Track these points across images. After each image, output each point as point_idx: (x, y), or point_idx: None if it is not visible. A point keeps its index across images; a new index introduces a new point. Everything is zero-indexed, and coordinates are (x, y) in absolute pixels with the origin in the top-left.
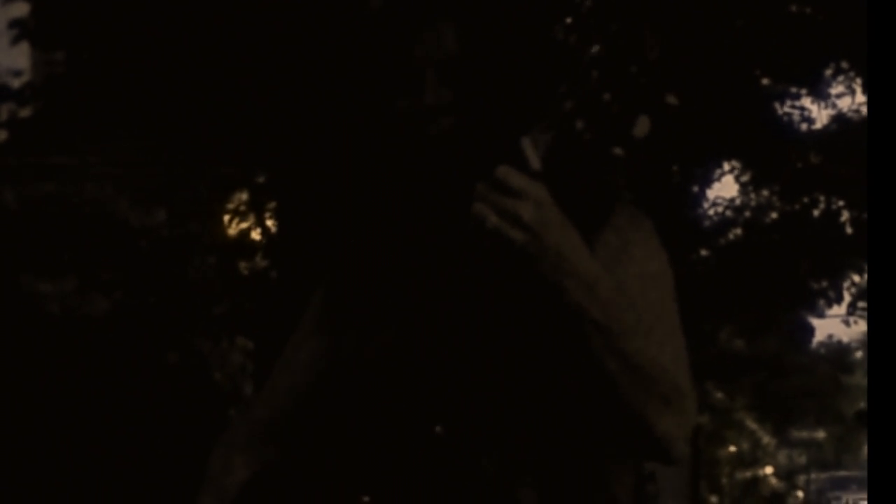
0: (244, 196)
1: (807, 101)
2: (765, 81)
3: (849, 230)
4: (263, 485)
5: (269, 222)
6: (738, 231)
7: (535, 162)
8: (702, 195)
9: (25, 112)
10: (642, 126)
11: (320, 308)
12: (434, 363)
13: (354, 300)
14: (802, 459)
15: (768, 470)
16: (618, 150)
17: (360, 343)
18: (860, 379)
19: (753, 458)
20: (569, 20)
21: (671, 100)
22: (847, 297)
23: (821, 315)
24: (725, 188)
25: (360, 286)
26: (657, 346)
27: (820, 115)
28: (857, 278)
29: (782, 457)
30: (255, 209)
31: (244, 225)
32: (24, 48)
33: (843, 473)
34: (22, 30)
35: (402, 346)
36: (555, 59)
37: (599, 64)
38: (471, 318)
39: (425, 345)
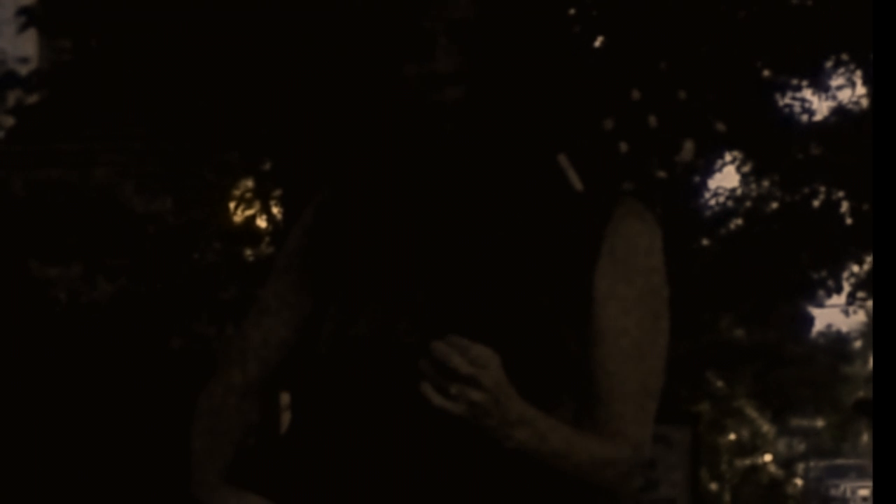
0: (250, 183)
1: (807, 93)
2: (766, 73)
3: (848, 220)
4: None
5: (275, 209)
6: (739, 221)
7: (576, 182)
8: (703, 185)
9: (32, 99)
10: (688, 150)
11: (303, 260)
12: (423, 349)
13: (343, 266)
14: (801, 447)
15: (767, 458)
16: (661, 174)
17: (345, 321)
18: (859, 368)
19: (753, 446)
20: (572, 11)
21: (720, 127)
22: (846, 287)
23: (820, 305)
24: (727, 178)
25: (351, 251)
26: (618, 417)
27: (820, 107)
28: (856, 268)
29: (781, 445)
30: (261, 196)
31: (250, 212)
32: (31, 35)
33: (841, 462)
34: (30, 17)
35: (390, 325)
36: (579, 60)
37: (642, 84)
38: (467, 298)
39: (414, 325)
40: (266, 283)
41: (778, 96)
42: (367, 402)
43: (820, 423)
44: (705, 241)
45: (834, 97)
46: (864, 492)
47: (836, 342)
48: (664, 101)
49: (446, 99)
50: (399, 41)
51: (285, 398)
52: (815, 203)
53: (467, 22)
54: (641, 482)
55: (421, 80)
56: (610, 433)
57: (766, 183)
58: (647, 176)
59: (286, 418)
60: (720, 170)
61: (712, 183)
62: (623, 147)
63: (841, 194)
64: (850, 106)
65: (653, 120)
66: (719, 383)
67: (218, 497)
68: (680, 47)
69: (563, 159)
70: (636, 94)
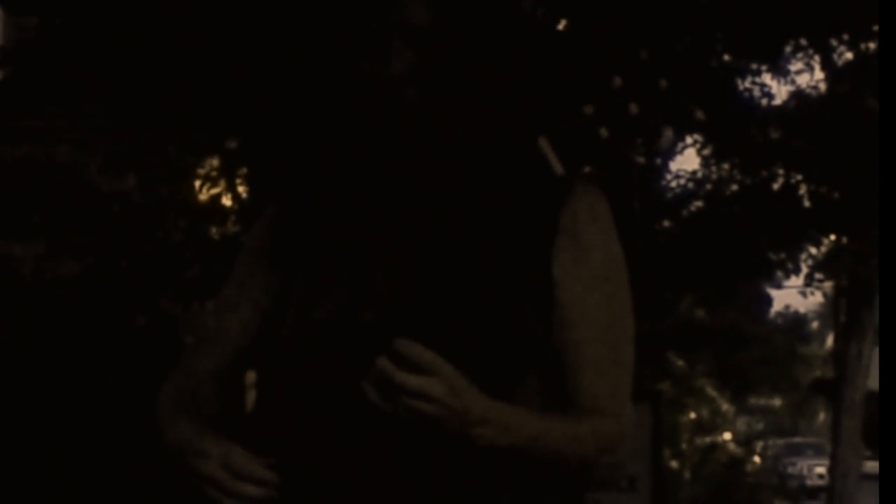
0: (215, 161)
1: (767, 78)
2: (726, 57)
3: (807, 203)
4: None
5: (241, 188)
6: (700, 203)
7: (557, 166)
8: (664, 168)
9: None
10: (667, 138)
11: (267, 251)
12: (386, 332)
13: (306, 252)
14: (760, 426)
15: (727, 436)
16: (641, 160)
17: (309, 305)
18: (816, 349)
19: (713, 425)
20: None
21: (699, 115)
22: (804, 269)
23: (778, 286)
24: (687, 161)
25: (314, 237)
26: (594, 390)
27: (779, 91)
28: (814, 250)
29: (741, 423)
30: (227, 174)
31: (215, 190)
32: None
33: (798, 440)
34: None
35: (353, 309)
36: (533, 36)
37: (624, 70)
38: (428, 281)
39: (377, 309)
40: (232, 271)
41: (738, 80)
42: (331, 384)
43: (778, 402)
44: (666, 223)
45: (793, 81)
46: (821, 469)
47: (794, 323)
48: (645, 87)
49: (405, 94)
50: (352, 41)
51: (251, 377)
52: (774, 186)
53: (421, 26)
54: (626, 450)
55: (376, 78)
56: (586, 409)
57: (725, 166)
58: (627, 161)
59: (251, 397)
60: (681, 152)
61: (673, 165)
62: (603, 133)
63: (799, 177)
64: (809, 90)
65: (634, 107)
66: (680, 363)
67: (186, 434)
68: (642, 26)
69: (543, 143)
70: (618, 82)
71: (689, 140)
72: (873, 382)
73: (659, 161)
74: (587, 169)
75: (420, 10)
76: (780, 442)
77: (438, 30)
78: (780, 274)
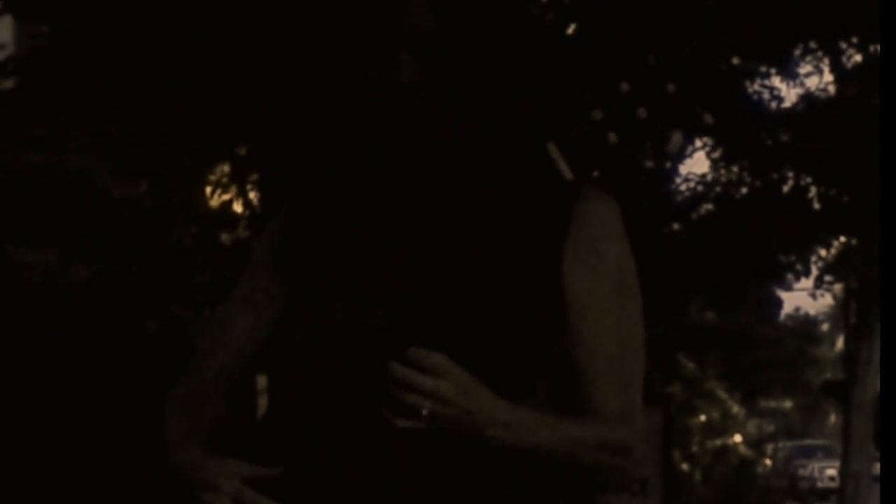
0: (226, 168)
1: (776, 80)
2: (735, 60)
3: (816, 206)
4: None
5: (252, 194)
6: (710, 206)
7: (566, 171)
8: (674, 171)
9: (8, 84)
10: (675, 141)
11: (276, 248)
12: (397, 336)
13: (318, 255)
14: (770, 428)
15: (737, 438)
16: (649, 163)
17: (320, 309)
18: (826, 351)
19: (723, 427)
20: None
21: (708, 119)
22: (814, 271)
23: (788, 288)
24: (697, 164)
25: (326, 241)
26: (602, 395)
27: (788, 94)
28: (824, 252)
29: (751, 426)
30: (237, 181)
31: (226, 196)
32: (7, 21)
33: (809, 442)
34: (5, 3)
35: (365, 313)
36: (553, 49)
37: (630, 75)
38: (439, 286)
39: (388, 312)
40: (242, 276)
41: (747, 83)
42: (342, 388)
43: (788, 404)
44: (676, 226)
45: (802, 84)
46: (831, 471)
47: (804, 325)
48: (653, 92)
49: (413, 100)
50: (359, 48)
51: (262, 381)
52: (784, 188)
53: (428, 35)
54: (639, 454)
55: (383, 85)
56: (599, 414)
57: (735, 169)
58: (636, 166)
59: (263, 401)
60: (691, 156)
61: (683, 168)
62: (612, 138)
63: (809, 180)
64: (818, 93)
65: (642, 111)
66: (690, 366)
67: (197, 463)
68: (650, 31)
69: (552, 148)
70: (625, 87)
71: (698, 143)
72: None
73: (668, 165)
74: (596, 174)
75: (425, 17)
76: (791, 444)
77: (444, 36)
78: (790, 276)
